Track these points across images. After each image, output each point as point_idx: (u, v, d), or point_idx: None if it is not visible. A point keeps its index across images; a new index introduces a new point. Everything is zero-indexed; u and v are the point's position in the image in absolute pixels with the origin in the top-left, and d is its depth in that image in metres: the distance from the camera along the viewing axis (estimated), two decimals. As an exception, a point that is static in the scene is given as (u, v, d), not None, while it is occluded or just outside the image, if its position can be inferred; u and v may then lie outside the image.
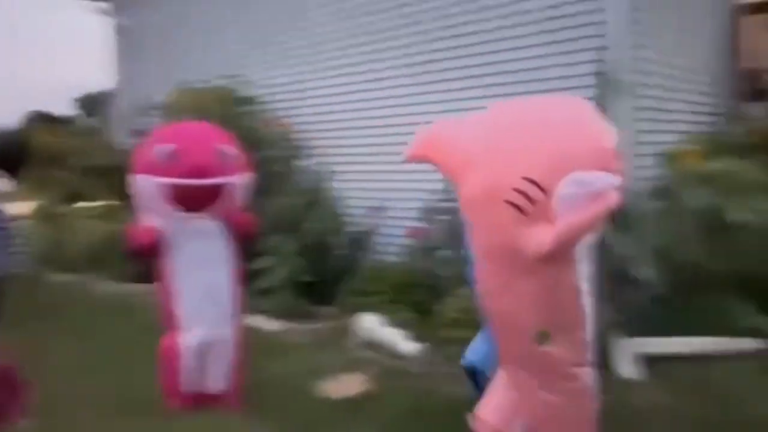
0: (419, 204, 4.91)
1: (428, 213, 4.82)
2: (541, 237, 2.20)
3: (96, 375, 3.85)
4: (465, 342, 4.03)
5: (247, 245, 3.49)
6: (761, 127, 5.05)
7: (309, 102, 6.49)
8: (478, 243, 2.44)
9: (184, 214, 3.15)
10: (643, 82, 4.64)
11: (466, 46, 5.29)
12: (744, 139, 5.17)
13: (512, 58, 5.01)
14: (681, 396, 3.54)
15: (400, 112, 5.71)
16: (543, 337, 2.38)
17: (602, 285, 4.40)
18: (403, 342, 4.16)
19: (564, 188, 2.17)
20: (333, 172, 5.76)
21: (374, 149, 5.85)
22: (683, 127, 5.03)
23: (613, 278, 4.46)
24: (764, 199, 3.99)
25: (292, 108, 6.49)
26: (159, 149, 3.09)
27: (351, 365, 3.99)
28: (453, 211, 4.77)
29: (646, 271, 4.44)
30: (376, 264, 5.26)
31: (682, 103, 5.17)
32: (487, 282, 2.45)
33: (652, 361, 3.97)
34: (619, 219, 4.46)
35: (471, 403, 3.40)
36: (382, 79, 5.87)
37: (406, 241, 5.04)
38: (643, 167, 4.49)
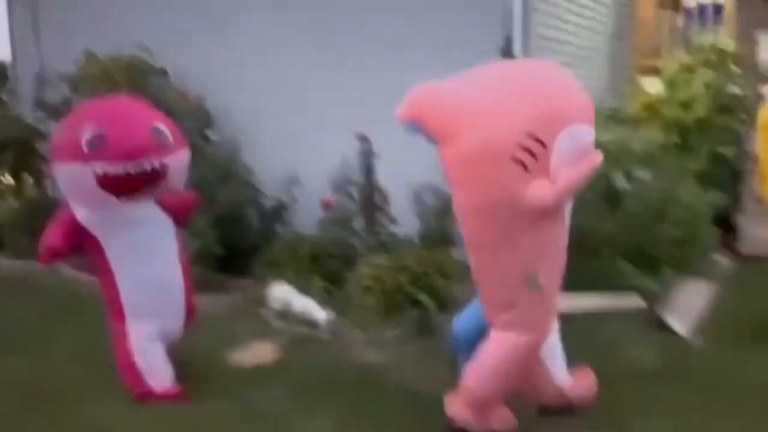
0: (332, 175, 4.98)
1: (340, 184, 4.90)
2: (541, 192, 2.32)
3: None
4: (376, 309, 4.22)
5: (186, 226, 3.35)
6: (648, 100, 5.42)
7: (222, 72, 6.36)
8: (470, 201, 2.50)
9: (119, 202, 2.91)
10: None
11: (373, 17, 5.36)
12: (634, 112, 5.56)
13: (416, 33, 5.14)
14: (568, 351, 3.85)
15: (312, 84, 5.73)
16: (532, 282, 2.52)
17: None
18: (316, 310, 4.26)
19: (561, 143, 2.32)
20: (246, 143, 5.72)
21: (288, 120, 5.85)
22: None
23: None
24: (647, 170, 4.33)
25: (205, 78, 6.34)
26: (85, 132, 2.79)
27: (264, 335, 4.06)
28: (365, 182, 4.90)
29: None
30: (291, 235, 5.31)
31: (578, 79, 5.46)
32: (481, 237, 2.55)
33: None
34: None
35: (380, 368, 3.60)
36: (294, 50, 5.84)
37: (320, 212, 5.11)
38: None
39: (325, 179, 5.04)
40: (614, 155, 4.39)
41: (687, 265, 4.85)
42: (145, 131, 2.89)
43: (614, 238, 4.60)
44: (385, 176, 4.94)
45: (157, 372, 3.11)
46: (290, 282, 4.68)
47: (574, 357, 3.73)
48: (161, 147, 2.92)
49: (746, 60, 7.22)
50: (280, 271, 4.86)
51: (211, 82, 6.29)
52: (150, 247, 3.07)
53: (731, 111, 5.50)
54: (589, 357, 3.69)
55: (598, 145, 4.40)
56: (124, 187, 2.87)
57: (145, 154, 2.84)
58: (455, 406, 2.79)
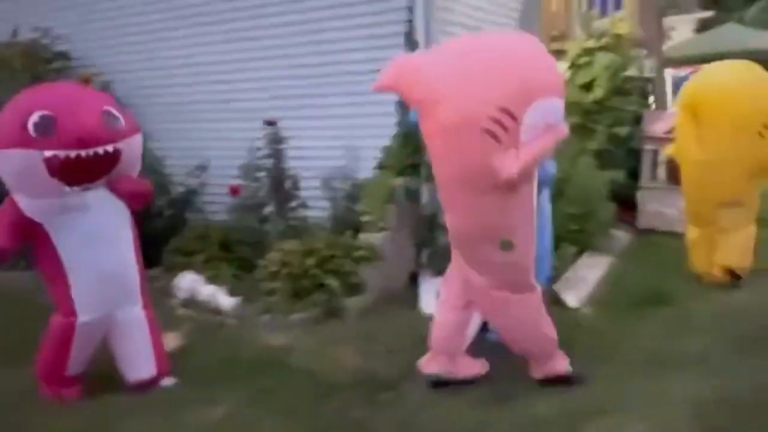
0: (241, 161, 4.94)
1: (249, 170, 4.87)
2: (507, 163, 2.48)
3: None
4: (283, 293, 4.24)
5: (140, 213, 3.22)
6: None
7: (129, 58, 6.18)
8: (448, 169, 2.67)
9: (70, 190, 2.78)
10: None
11: (280, 3, 5.34)
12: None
13: (323, 19, 5.15)
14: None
15: (222, 70, 5.65)
16: (507, 245, 2.74)
17: (416, 230, 4.81)
18: (222, 298, 4.26)
19: (531, 116, 2.47)
20: (154, 130, 5.58)
21: (195, 107, 5.76)
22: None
23: (425, 224, 4.85)
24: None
25: (112, 64, 6.14)
26: (32, 117, 2.65)
27: (170, 323, 4.02)
28: (274, 167, 4.89)
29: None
30: (200, 222, 5.25)
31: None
32: (457, 202, 2.74)
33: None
34: (425, 171, 4.84)
35: (284, 352, 3.63)
36: (203, 36, 5.74)
37: (230, 199, 5.07)
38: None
39: (234, 165, 5.01)
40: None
41: (585, 240, 5.11)
42: (96, 115, 2.79)
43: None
44: (296, 161, 4.95)
45: (78, 365, 3.06)
46: (200, 269, 4.65)
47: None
48: (113, 131, 2.81)
49: (648, 44, 7.60)
50: (189, 259, 4.81)
51: (118, 68, 6.12)
52: (104, 237, 2.94)
53: (628, 93, 5.78)
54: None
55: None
56: (76, 172, 2.74)
57: (97, 138, 2.74)
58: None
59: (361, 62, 4.98)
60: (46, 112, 2.68)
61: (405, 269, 4.68)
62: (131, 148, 2.94)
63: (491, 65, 2.53)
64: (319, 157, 4.97)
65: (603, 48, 5.87)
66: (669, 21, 22.40)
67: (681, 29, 21.25)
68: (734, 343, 3.48)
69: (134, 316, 3.09)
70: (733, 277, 4.35)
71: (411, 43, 4.73)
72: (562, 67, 6.24)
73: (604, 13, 6.78)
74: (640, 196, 6.17)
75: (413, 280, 4.63)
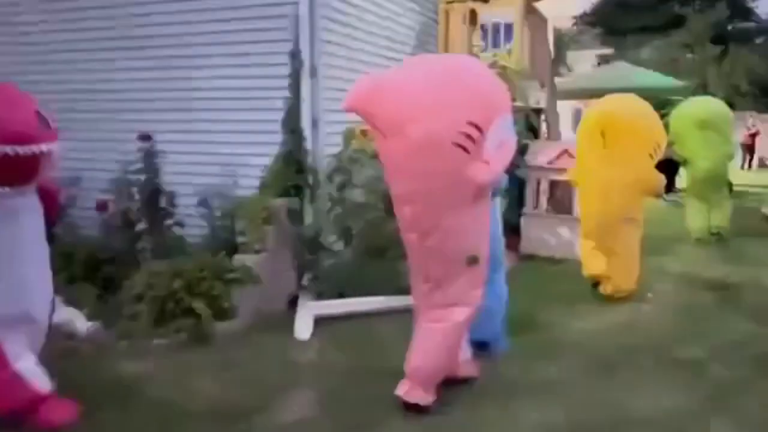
0: (111, 176, 4.68)
1: (120, 185, 4.62)
2: (480, 171, 2.69)
3: None
4: (146, 317, 3.99)
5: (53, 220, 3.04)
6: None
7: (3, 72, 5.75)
8: (415, 188, 2.79)
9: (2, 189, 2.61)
10: (330, 64, 4.96)
11: (162, 18, 5.15)
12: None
13: (210, 42, 5.02)
14: (345, 351, 3.93)
15: (99, 84, 5.37)
16: (473, 260, 2.89)
17: (297, 252, 4.71)
18: (80, 322, 3.97)
19: (493, 130, 2.69)
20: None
21: (69, 120, 5.41)
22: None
23: (307, 246, 4.77)
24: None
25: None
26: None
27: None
28: (147, 183, 4.65)
29: (333, 239, 4.84)
30: (67, 239, 4.90)
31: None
32: (427, 220, 2.83)
33: (328, 321, 4.34)
34: (309, 192, 4.78)
35: (137, 380, 3.41)
36: (81, 52, 5.44)
37: (99, 215, 4.78)
38: (329, 144, 4.84)
39: (105, 179, 4.73)
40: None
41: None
42: (32, 113, 2.66)
43: (398, 240, 4.80)
44: (173, 177, 4.74)
45: (41, 377, 2.90)
46: (60, 290, 4.31)
47: (350, 356, 3.87)
48: (46, 132, 2.67)
49: (540, 76, 7.91)
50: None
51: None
52: (28, 244, 2.77)
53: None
54: (361, 355, 3.86)
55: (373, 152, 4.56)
56: (13, 172, 2.58)
57: (34, 137, 2.59)
58: (405, 387, 3.05)
59: (243, 79, 4.87)
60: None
61: (284, 292, 4.56)
62: (57, 151, 2.81)
63: (457, 83, 2.74)
64: (197, 174, 4.78)
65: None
66: (571, 56, 23.76)
67: (582, 64, 22.61)
68: (591, 367, 3.62)
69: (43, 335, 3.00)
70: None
71: (296, 62, 4.68)
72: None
73: (496, 45, 7.00)
74: (524, 223, 6.37)
75: (294, 303, 4.52)
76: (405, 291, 4.63)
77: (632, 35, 23.18)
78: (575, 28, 30.84)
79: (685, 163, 7.43)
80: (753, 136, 17.52)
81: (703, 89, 19.23)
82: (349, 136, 4.52)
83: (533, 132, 6.81)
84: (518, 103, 6.05)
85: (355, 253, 4.69)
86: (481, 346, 3.60)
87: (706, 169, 7.01)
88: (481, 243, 2.96)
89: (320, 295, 4.61)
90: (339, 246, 4.75)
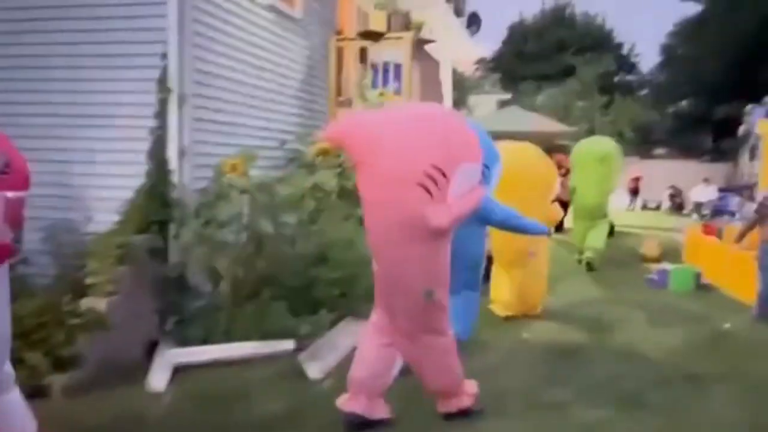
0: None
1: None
2: (439, 214, 2.83)
3: None
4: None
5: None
6: (323, 146, 5.58)
7: None
8: (381, 218, 2.97)
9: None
10: (201, 93, 4.72)
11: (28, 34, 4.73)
12: (310, 156, 5.70)
13: (70, 65, 4.66)
14: (200, 403, 3.61)
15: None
16: (429, 294, 3.02)
17: (159, 294, 4.34)
18: None
19: (458, 177, 2.85)
20: None
21: None
22: (245, 140, 5.26)
23: (171, 287, 4.41)
24: (292, 213, 4.37)
25: None
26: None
27: None
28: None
29: (200, 280, 4.51)
30: None
31: (245, 117, 5.42)
32: (388, 252, 3.03)
33: (186, 370, 4.00)
34: (174, 228, 4.44)
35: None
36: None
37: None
38: (199, 177, 4.55)
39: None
40: (263, 198, 4.36)
41: (349, 305, 5.00)
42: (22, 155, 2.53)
43: (272, 282, 4.56)
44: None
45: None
46: None
47: (205, 409, 3.54)
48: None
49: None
50: None
51: None
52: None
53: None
54: (217, 408, 3.54)
55: (243, 186, 4.32)
56: (17, 217, 2.47)
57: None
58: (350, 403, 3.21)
59: (105, 106, 4.53)
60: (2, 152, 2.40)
61: (140, 338, 4.16)
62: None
63: (428, 129, 2.94)
64: (46, 207, 4.33)
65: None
66: (473, 100, 24.70)
67: (482, 108, 23.52)
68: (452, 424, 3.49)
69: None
70: None
71: (163, 89, 4.40)
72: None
73: (386, 83, 7.03)
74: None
75: (152, 351, 4.14)
76: (276, 335, 4.42)
77: (529, 82, 24.49)
78: (477, 73, 32.31)
79: (573, 191, 8.54)
80: (636, 180, 18.75)
81: (591, 134, 20.55)
82: (221, 169, 4.26)
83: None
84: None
85: (223, 295, 4.38)
86: None
87: (591, 197, 8.25)
88: (438, 279, 3.08)
89: (184, 342, 4.25)
90: (207, 287, 4.43)
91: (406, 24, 7.04)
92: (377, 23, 6.95)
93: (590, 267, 7.99)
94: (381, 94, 6.15)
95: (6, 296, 2.65)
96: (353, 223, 5.39)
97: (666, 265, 7.37)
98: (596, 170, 8.11)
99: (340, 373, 4.03)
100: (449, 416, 3.36)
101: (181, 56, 4.41)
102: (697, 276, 7.12)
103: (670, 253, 9.05)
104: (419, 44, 7.47)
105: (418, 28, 7.18)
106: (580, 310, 5.80)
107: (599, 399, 3.73)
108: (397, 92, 6.78)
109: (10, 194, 2.44)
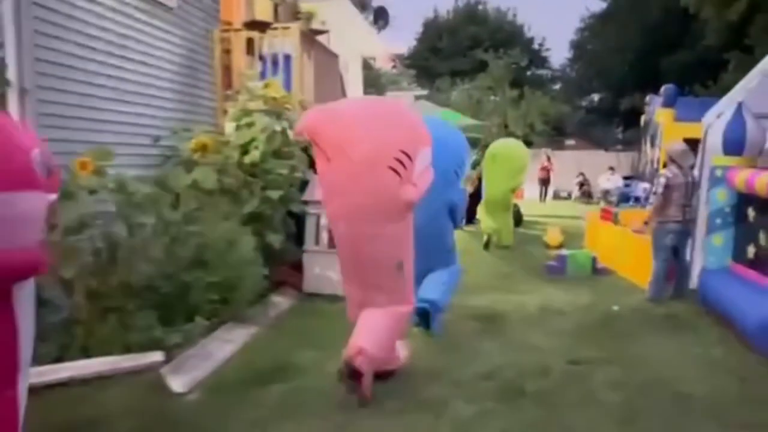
0: None
1: None
2: (410, 193, 3.28)
3: None
4: None
5: None
6: (201, 142, 5.24)
7: None
8: (354, 201, 3.32)
9: None
10: (52, 86, 4.29)
11: None
12: (189, 152, 5.34)
13: None
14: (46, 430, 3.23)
15: None
16: (400, 266, 3.50)
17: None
18: None
19: (419, 160, 3.30)
20: None
21: None
22: (108, 137, 4.86)
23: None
24: (151, 213, 4.02)
25: None
26: (34, 155, 2.17)
27: None
28: None
29: (55, 294, 4.08)
30: None
31: (109, 113, 5.01)
32: (362, 231, 3.40)
33: (37, 392, 3.58)
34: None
35: None
36: None
37: None
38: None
39: None
40: (121, 198, 4.00)
41: (228, 311, 4.71)
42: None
43: (138, 291, 4.20)
44: None
45: None
46: None
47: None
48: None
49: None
50: None
51: None
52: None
53: (286, 156, 5.68)
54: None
55: (93, 186, 3.94)
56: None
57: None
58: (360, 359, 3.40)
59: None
60: (38, 150, 2.22)
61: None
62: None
63: (393, 119, 3.41)
64: None
65: (265, 110, 5.72)
66: (391, 96, 24.69)
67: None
68: (331, 416, 3.30)
69: None
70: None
71: (1, 83, 3.95)
72: (231, 126, 5.97)
73: (275, 74, 6.73)
74: (305, 260, 6.06)
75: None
76: (143, 348, 4.06)
77: (444, 78, 24.74)
78: (395, 69, 32.42)
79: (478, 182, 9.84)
80: (546, 170, 19.26)
81: (504, 128, 20.94)
82: (73, 167, 3.84)
83: (314, 167, 6.56)
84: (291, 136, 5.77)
85: (79, 308, 3.98)
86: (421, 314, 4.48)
87: (494, 194, 9.15)
88: (405, 252, 3.55)
89: (35, 361, 3.82)
90: (58, 299, 4.01)
91: (294, 14, 6.77)
92: (263, 13, 6.65)
93: (486, 245, 9.05)
94: (266, 86, 5.85)
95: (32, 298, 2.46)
96: (235, 223, 5.10)
97: (564, 251, 7.47)
98: (503, 168, 9.05)
99: (210, 385, 3.77)
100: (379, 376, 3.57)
101: (20, 45, 3.97)
102: (594, 260, 7.26)
103: (576, 240, 9.26)
104: (311, 35, 7.23)
105: (308, 18, 6.94)
106: (473, 301, 5.74)
107: (479, 393, 3.62)
108: (287, 84, 6.51)
109: (52, 197, 2.36)
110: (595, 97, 33.31)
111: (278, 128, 5.69)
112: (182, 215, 4.66)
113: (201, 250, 4.65)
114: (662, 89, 11.19)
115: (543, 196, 19.18)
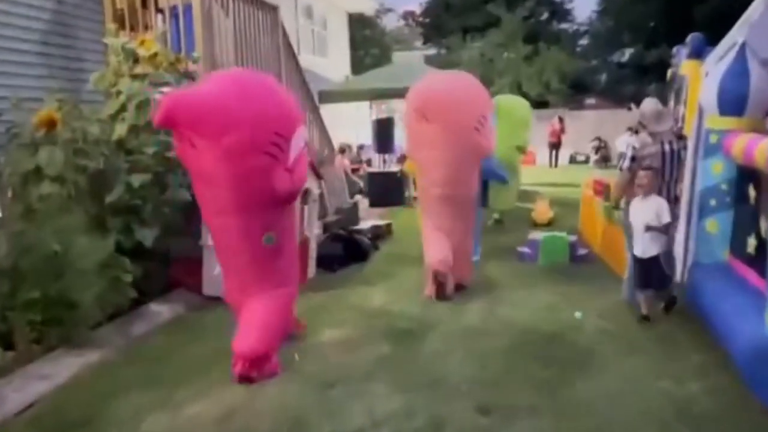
0: None
1: None
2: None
3: None
4: None
5: None
6: (43, 114, 4.17)
7: None
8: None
9: None
10: None
11: None
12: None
13: None
14: None
15: None
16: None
17: None
18: None
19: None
20: None
21: None
22: None
23: None
24: None
25: None
26: None
27: None
28: None
29: None
30: None
31: None
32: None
33: None
34: None
35: None
36: None
37: None
38: None
39: None
40: None
41: (61, 333, 3.71)
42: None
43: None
44: None
45: None
46: None
47: None
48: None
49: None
50: None
51: None
52: None
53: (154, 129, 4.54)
54: None
55: None
56: None
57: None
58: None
59: None
60: None
61: None
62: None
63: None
64: None
65: (136, 75, 4.59)
66: (398, 56, 23.23)
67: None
68: None
69: None
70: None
71: None
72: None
73: (177, 32, 5.59)
74: (204, 257, 5.00)
75: None
76: None
77: (455, 35, 23.00)
78: (406, 28, 30.70)
79: None
80: (557, 133, 17.58)
81: (518, 88, 19.27)
82: None
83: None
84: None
85: None
86: None
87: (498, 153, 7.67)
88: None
89: None
90: None
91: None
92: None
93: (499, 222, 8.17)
94: (141, 43, 4.71)
95: None
96: (77, 220, 4.04)
97: (536, 235, 6.22)
98: (504, 124, 7.42)
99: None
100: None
101: None
102: (572, 246, 6.00)
103: (571, 216, 7.92)
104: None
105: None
106: (404, 306, 4.62)
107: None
108: (190, 43, 5.36)
109: None
110: (626, 52, 30.97)
111: (156, 96, 4.57)
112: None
113: (19, 257, 3.64)
114: (689, 38, 9.68)
115: (554, 161, 17.57)
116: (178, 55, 5.04)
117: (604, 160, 17.47)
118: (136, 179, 4.25)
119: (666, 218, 4.05)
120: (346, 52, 14.42)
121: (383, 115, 11.50)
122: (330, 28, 13.01)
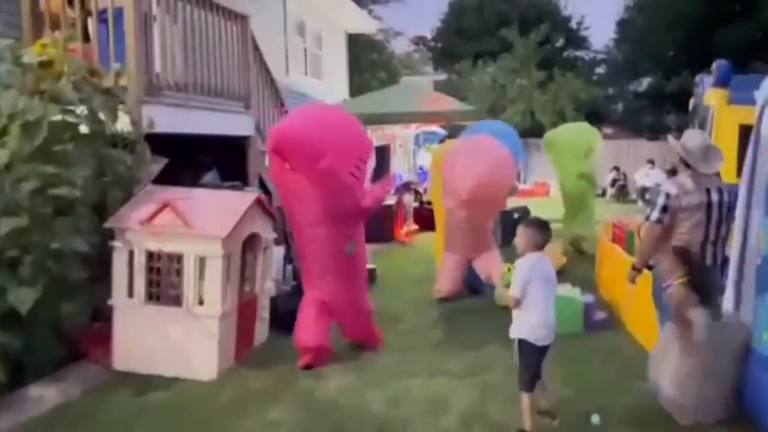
0: None
1: None
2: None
3: None
4: None
5: None
6: None
7: None
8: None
9: None
10: None
11: None
12: None
13: None
14: None
15: None
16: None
17: None
18: None
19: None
20: None
21: None
22: None
23: None
24: None
25: None
26: None
27: None
28: None
29: None
30: None
31: None
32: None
33: None
34: None
35: None
36: None
37: None
38: None
39: None
40: None
41: None
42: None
43: None
44: None
45: None
46: None
47: None
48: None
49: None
50: None
51: None
52: None
53: (58, 156, 3.52)
54: None
55: None
56: None
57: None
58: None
59: None
60: None
61: None
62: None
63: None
64: None
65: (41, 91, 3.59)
66: (406, 80, 22.41)
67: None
68: None
69: None
70: None
71: None
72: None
73: (104, 37, 4.64)
74: (115, 320, 3.93)
75: None
76: None
77: (466, 60, 22.10)
78: (416, 53, 29.91)
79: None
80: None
81: (531, 115, 18.26)
82: None
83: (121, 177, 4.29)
84: (72, 120, 3.63)
85: None
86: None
87: (566, 185, 8.36)
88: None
89: None
90: None
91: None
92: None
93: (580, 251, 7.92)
94: (41, 46, 3.72)
95: None
96: None
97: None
98: (570, 158, 7.96)
99: None
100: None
101: None
102: (587, 309, 4.84)
103: (588, 262, 6.80)
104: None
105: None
106: (374, 395, 3.53)
107: None
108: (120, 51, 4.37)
109: None
110: (644, 81, 29.91)
111: (56, 116, 3.57)
112: None
113: None
114: (714, 65, 8.66)
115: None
116: (92, 66, 4.04)
117: (623, 194, 16.30)
118: (5, 224, 3.20)
119: None
120: (344, 75, 13.45)
121: (378, 143, 10.47)
122: (326, 48, 12.06)
